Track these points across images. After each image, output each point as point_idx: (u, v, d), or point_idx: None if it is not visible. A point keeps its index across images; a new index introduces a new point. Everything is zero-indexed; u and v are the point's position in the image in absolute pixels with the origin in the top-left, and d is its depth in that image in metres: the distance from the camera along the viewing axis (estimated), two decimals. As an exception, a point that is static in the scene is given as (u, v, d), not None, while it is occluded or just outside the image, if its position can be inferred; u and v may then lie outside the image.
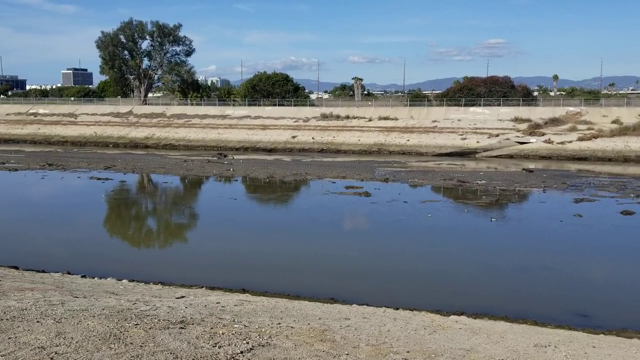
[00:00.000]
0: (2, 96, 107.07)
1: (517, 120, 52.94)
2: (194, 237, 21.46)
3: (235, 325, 6.31)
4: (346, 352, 5.72)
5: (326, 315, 8.85)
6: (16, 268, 14.67)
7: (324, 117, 59.36)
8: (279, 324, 6.91)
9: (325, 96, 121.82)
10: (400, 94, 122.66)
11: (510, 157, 46.83)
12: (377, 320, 8.75)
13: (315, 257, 18.00)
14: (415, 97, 75.04)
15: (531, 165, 40.90)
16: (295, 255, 18.17)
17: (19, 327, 5.33)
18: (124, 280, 13.67)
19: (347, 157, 47.98)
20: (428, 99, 72.39)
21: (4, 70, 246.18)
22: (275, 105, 66.73)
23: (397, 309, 11.44)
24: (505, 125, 52.37)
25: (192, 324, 6.13)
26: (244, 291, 13.32)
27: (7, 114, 70.79)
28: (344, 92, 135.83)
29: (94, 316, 6.02)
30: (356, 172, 36.93)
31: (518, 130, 51.00)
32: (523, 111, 54.98)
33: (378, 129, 55.24)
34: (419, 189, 31.06)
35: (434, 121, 55.37)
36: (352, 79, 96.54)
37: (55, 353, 4.50)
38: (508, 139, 49.60)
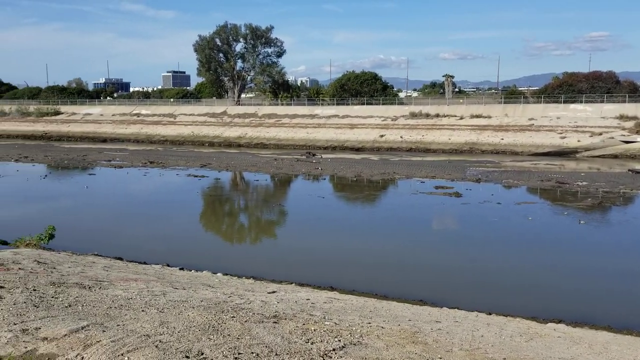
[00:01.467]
0: (108, 98, 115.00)
1: (622, 117, 49.39)
2: (284, 234, 21.89)
3: (326, 323, 6.36)
4: (439, 356, 5.60)
5: (416, 317, 8.72)
6: (120, 259, 15.65)
7: (413, 115, 58.55)
8: (369, 323, 6.88)
9: (415, 94, 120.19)
10: (494, 91, 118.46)
11: (615, 157, 43.81)
12: (469, 325, 8.49)
13: (403, 257, 17.79)
14: (510, 94, 72.18)
15: (638, 166, 38.03)
16: (383, 254, 18.05)
17: (126, 315, 5.69)
18: (218, 274, 14.19)
19: (437, 156, 47.01)
20: (524, 96, 69.35)
21: (110, 74, 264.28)
22: (363, 104, 66.70)
23: (490, 314, 11.05)
24: (609, 123, 49.06)
25: (285, 319, 6.25)
26: (332, 289, 13.42)
27: (113, 115, 75.90)
28: (434, 90, 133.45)
29: (193, 307, 6.31)
30: (446, 171, 36.10)
31: (623, 129, 47.59)
32: (629, 108, 51.21)
33: (470, 127, 53.67)
34: (514, 190, 29.81)
35: (531, 119, 52.96)
36: (443, 76, 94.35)
37: (160, 341, 4.75)
38: (612, 137, 46.43)
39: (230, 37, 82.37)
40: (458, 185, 30.34)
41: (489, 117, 55.13)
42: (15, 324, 5.18)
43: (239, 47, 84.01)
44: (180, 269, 14.79)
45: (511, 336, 7.76)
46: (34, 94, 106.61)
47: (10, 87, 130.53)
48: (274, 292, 10.04)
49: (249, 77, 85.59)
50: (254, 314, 6.30)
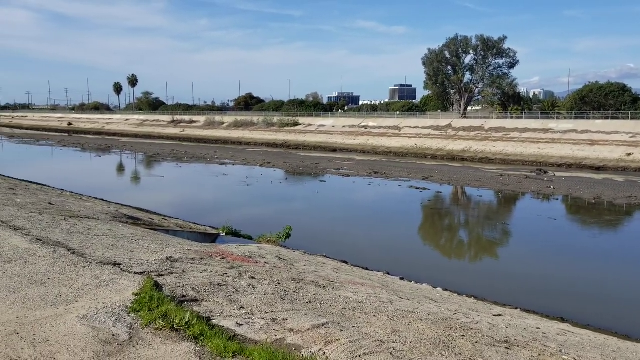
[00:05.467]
0: (340, 111, 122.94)
1: None
2: (506, 255, 20.78)
3: (564, 357, 5.83)
4: None
5: (672, 368, 7.48)
6: (346, 262, 16.49)
7: (670, 132, 50.73)
8: (615, 366, 6.12)
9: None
10: None
11: None
12: None
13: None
14: None
15: None
16: (623, 288, 15.92)
17: (359, 318, 5.97)
18: (438, 288, 14.06)
19: (701, 181, 39.92)
20: None
21: (342, 88, 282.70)
22: (607, 118, 60.00)
23: None
24: None
25: (517, 346, 5.90)
26: (562, 320, 12.29)
27: (343, 127, 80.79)
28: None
29: (421, 320, 6.34)
30: None
31: None
32: None
33: None
34: None
35: None
36: None
37: (393, 349, 4.88)
38: None
39: (460, 49, 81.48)
40: None
41: None
42: (266, 313, 5.83)
43: (468, 59, 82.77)
44: (401, 278, 15.01)
45: None
46: (277, 106, 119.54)
47: (259, 101, 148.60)
48: (499, 315, 9.57)
49: (476, 90, 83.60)
50: (483, 335, 6.08)
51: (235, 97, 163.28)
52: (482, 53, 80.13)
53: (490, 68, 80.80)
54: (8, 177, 31.38)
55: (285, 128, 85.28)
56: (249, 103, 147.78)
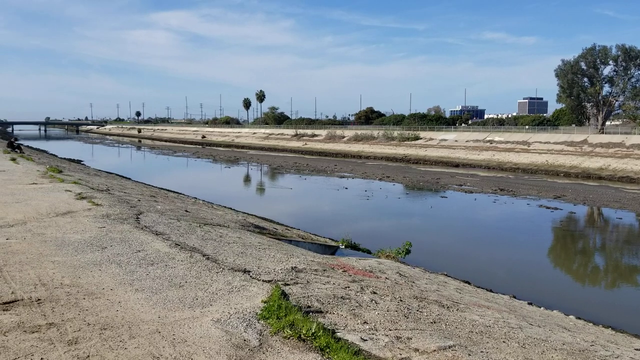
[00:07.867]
0: (463, 125, 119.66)
1: None
2: (653, 284, 18.86)
3: None
4: None
5: None
6: (468, 283, 15.91)
7: None
8: None
9: None
10: None
11: None
12: None
13: None
14: None
15: None
16: None
17: (487, 342, 5.73)
18: (571, 316, 13.10)
19: None
20: None
21: (467, 101, 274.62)
22: None
23: None
24: None
25: (668, 389, 5.31)
26: None
27: (466, 141, 78.50)
28: None
29: (555, 349, 5.94)
30: None
31: None
32: None
33: None
34: None
35: None
36: None
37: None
38: None
39: (598, 59, 76.04)
40: None
41: None
42: (390, 330, 5.80)
43: (607, 70, 77.02)
44: (529, 303, 14.19)
45: None
46: (398, 120, 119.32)
47: (379, 115, 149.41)
48: (643, 350, 8.67)
49: (616, 103, 77.38)
50: (626, 373, 5.55)
51: (356, 111, 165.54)
52: (624, 64, 74.10)
53: (633, 80, 74.53)
54: (149, 185, 34.36)
55: (405, 142, 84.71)
56: (369, 117, 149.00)
